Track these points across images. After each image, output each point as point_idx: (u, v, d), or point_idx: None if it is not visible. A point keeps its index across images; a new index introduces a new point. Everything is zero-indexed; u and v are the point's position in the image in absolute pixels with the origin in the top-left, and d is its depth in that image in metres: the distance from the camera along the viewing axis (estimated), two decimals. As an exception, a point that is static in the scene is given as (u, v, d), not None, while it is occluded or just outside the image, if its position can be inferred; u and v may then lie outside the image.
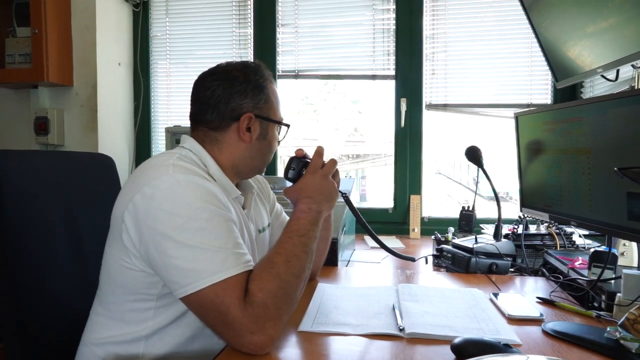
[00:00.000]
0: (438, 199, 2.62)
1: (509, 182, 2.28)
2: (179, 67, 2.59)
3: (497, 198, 1.68)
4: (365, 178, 3.03)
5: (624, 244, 1.35)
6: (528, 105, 2.25)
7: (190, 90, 1.08)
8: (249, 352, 0.85)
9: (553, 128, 1.40)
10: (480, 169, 1.75)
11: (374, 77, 2.40)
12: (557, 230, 1.66)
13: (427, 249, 1.90)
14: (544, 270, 1.48)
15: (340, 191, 1.14)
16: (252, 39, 2.47)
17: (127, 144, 2.55)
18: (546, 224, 1.71)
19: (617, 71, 1.60)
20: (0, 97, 2.42)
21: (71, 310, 1.11)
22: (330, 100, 3.30)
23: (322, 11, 2.42)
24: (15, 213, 1.03)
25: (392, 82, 2.37)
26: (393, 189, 2.41)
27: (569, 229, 1.69)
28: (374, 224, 1.24)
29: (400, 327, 0.97)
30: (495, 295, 1.20)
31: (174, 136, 2.26)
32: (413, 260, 1.44)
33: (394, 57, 2.35)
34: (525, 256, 1.57)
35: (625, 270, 1.06)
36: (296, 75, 2.45)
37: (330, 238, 1.30)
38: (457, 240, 1.60)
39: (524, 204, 1.62)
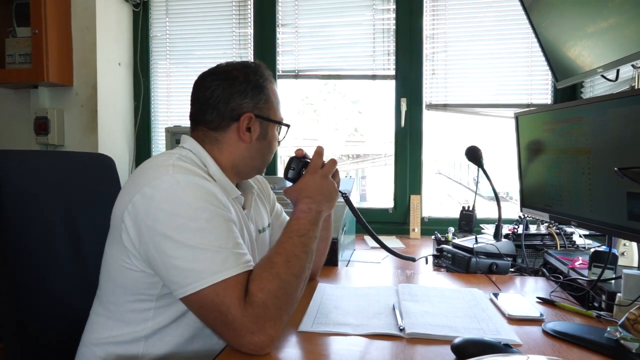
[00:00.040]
0: (438, 199, 2.62)
1: (509, 182, 2.28)
2: (179, 67, 2.59)
3: (497, 198, 1.68)
4: (365, 178, 3.03)
5: (624, 244, 1.35)
6: (528, 105, 2.25)
7: (190, 90, 1.08)
8: (249, 352, 0.85)
9: (553, 128, 1.40)
10: (480, 169, 1.75)
11: (374, 77, 2.40)
12: (557, 230, 1.66)
13: (427, 249, 1.89)
14: (544, 270, 1.48)
15: (340, 191, 1.14)
16: (252, 39, 2.47)
17: (127, 144, 2.55)
18: (546, 224, 1.71)
19: (617, 71, 1.60)
20: (0, 97, 2.42)
21: (71, 310, 1.11)
22: (330, 100, 3.30)
23: (322, 11, 2.42)
24: (15, 213, 1.03)
25: (392, 82, 2.37)
26: (393, 189, 2.41)
27: (569, 229, 1.69)
28: (374, 224, 1.24)
29: (401, 327, 0.97)
30: (496, 295, 1.20)
31: (174, 136, 2.26)
32: (413, 260, 1.44)
33: (394, 57, 2.35)
34: (526, 256, 1.57)
35: (625, 270, 1.06)
36: (296, 75, 2.45)
37: (330, 238, 1.30)
38: (457, 240, 1.60)
39: (524, 204, 1.62)
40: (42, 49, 2.14)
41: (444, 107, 2.34)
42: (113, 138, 2.43)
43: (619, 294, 1.06)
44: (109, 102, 2.39)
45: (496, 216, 1.65)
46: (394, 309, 1.09)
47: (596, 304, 1.17)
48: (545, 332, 0.99)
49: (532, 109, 1.96)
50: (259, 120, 1.06)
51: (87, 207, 1.25)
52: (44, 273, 1.08)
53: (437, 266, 1.61)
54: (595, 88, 2.05)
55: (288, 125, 1.15)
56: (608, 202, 1.14)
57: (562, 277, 1.35)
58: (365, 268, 1.62)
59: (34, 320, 1.03)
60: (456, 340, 0.88)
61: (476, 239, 1.58)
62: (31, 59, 2.19)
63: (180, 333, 0.96)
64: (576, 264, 1.35)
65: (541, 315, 1.07)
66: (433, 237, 1.83)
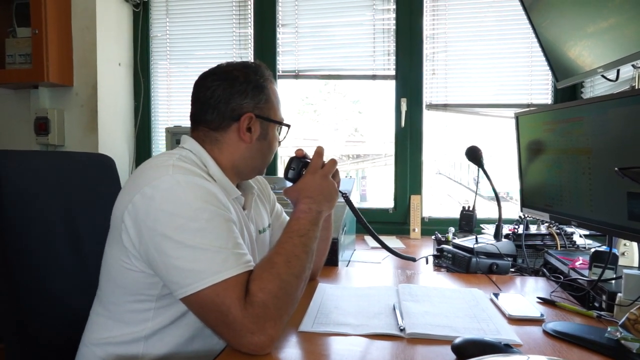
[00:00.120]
0: (438, 199, 2.62)
1: (509, 182, 2.28)
2: (179, 67, 2.59)
3: (497, 198, 1.68)
4: (365, 178, 3.03)
5: (625, 244, 1.35)
6: (528, 105, 2.24)
7: (191, 90, 1.08)
8: (249, 353, 0.85)
9: (553, 128, 1.40)
10: (480, 169, 1.75)
11: (374, 77, 2.40)
12: (558, 230, 1.66)
13: (427, 249, 1.89)
14: (545, 270, 1.48)
15: (340, 191, 1.14)
16: (252, 39, 2.47)
17: (127, 144, 2.55)
18: (547, 224, 1.71)
19: (618, 71, 1.60)
20: (0, 98, 2.42)
21: (71, 310, 1.11)
22: (331, 101, 3.30)
23: (322, 11, 2.42)
24: (15, 213, 1.03)
25: (393, 82, 2.37)
26: (393, 189, 2.41)
27: (569, 229, 1.69)
28: (374, 224, 1.24)
29: (401, 327, 0.97)
30: (496, 295, 1.20)
31: (174, 136, 2.26)
32: (413, 260, 1.44)
33: (394, 57, 2.35)
34: (526, 256, 1.57)
35: (625, 271, 1.06)
36: (296, 75, 2.45)
37: (330, 238, 1.30)
38: (457, 241, 1.60)
39: (525, 204, 1.62)
40: (42, 49, 2.14)
41: (444, 107, 2.34)
42: (113, 138, 2.43)
43: (619, 294, 1.06)
44: (109, 102, 2.39)
45: (496, 216, 1.65)
46: (394, 309, 1.09)
47: (597, 304, 1.16)
48: (545, 332, 0.98)
49: (532, 109, 1.96)
50: (259, 120, 1.06)
51: (87, 207, 1.25)
52: (44, 273, 1.08)
53: (438, 266, 1.60)
54: (596, 88, 2.05)
55: (288, 126, 1.14)
56: (608, 202, 1.14)
57: (562, 277, 1.35)
58: (366, 268, 1.62)
59: (34, 320, 1.03)
60: (456, 341, 0.88)
61: (476, 239, 1.58)
62: (31, 59, 2.19)
63: (180, 333, 0.96)
64: (576, 264, 1.35)
65: (541, 315, 1.07)
66: (433, 237, 1.83)
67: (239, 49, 2.50)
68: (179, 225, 0.86)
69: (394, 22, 2.34)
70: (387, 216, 2.39)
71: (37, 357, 1.04)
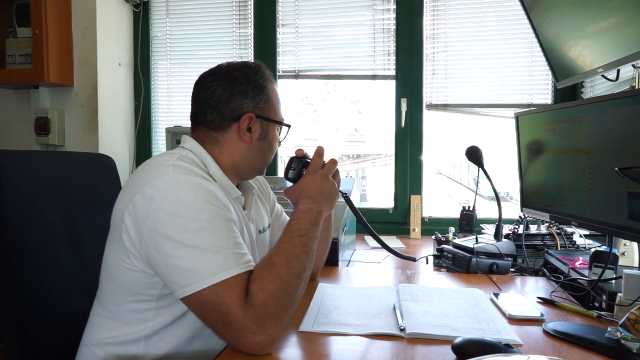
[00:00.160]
0: (438, 199, 2.63)
1: (509, 182, 2.28)
2: (179, 68, 2.59)
3: (497, 198, 1.68)
4: (365, 178, 3.04)
5: (625, 244, 1.35)
6: (528, 105, 2.24)
7: (191, 90, 1.08)
8: (249, 352, 0.85)
9: (553, 128, 1.40)
10: (480, 169, 1.75)
11: (374, 77, 2.39)
12: (558, 230, 1.66)
13: (427, 249, 1.89)
14: (545, 270, 1.48)
15: (340, 191, 1.14)
16: (252, 39, 2.47)
17: (127, 144, 2.55)
18: (547, 224, 1.71)
19: (618, 71, 1.60)
20: (0, 98, 2.43)
21: (71, 310, 1.11)
22: (331, 101, 3.30)
23: (322, 11, 2.42)
24: (15, 213, 1.03)
25: (393, 82, 2.37)
26: (393, 189, 2.41)
27: (569, 229, 1.69)
28: (375, 224, 1.24)
29: (401, 327, 0.97)
30: (496, 295, 1.20)
31: (174, 136, 2.26)
32: (414, 260, 1.44)
33: (394, 57, 2.35)
34: (526, 256, 1.57)
35: (626, 270, 1.06)
36: (296, 75, 2.45)
37: (330, 238, 1.30)
38: (457, 240, 1.60)
39: (525, 204, 1.62)
40: (43, 49, 2.14)
41: (444, 107, 2.34)
42: (113, 138, 2.43)
43: (619, 294, 1.06)
44: (110, 102, 2.39)
45: (496, 216, 1.65)
46: (394, 309, 1.09)
47: (597, 304, 1.16)
48: (545, 332, 0.98)
49: (532, 109, 1.96)
50: (259, 120, 1.06)
51: (87, 207, 1.25)
52: (44, 273, 1.08)
53: (438, 266, 1.60)
54: (596, 88, 2.05)
55: (289, 126, 1.14)
56: (608, 202, 1.14)
57: (562, 277, 1.35)
58: (366, 268, 1.62)
59: (34, 320, 1.03)
60: (457, 340, 0.88)
61: (476, 239, 1.58)
62: (32, 59, 2.19)
63: (180, 333, 0.96)
64: (577, 264, 1.35)
65: (542, 315, 1.07)
66: (433, 237, 1.83)
67: (239, 49, 2.50)
68: (179, 225, 0.86)
69: (394, 22, 2.34)
70: (387, 216, 2.39)
71: (37, 357, 1.04)
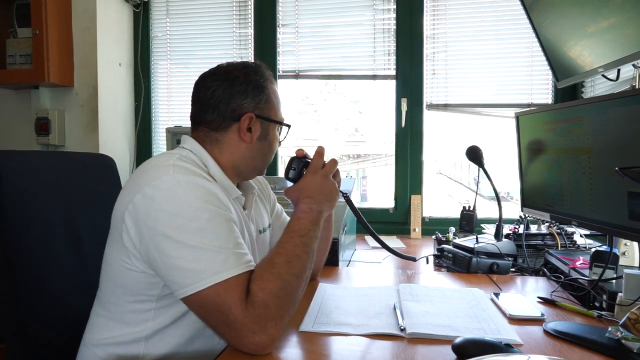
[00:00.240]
0: (439, 198, 2.63)
1: (509, 182, 2.28)
2: (179, 68, 2.59)
3: (498, 198, 1.68)
4: (366, 178, 3.04)
5: (625, 244, 1.35)
6: (529, 105, 2.24)
7: (191, 90, 1.08)
8: (250, 352, 0.85)
9: (554, 128, 1.40)
10: (481, 169, 1.75)
11: (374, 77, 2.39)
12: (558, 230, 1.66)
13: (428, 249, 1.89)
14: (545, 270, 1.48)
15: (341, 191, 1.14)
16: (252, 39, 2.47)
17: (127, 144, 2.55)
18: (547, 224, 1.71)
19: (618, 71, 1.60)
20: (1, 98, 2.43)
21: (71, 310, 1.11)
22: (331, 101, 3.30)
23: (322, 11, 2.42)
24: (15, 213, 1.03)
25: (393, 82, 2.37)
26: (394, 189, 2.40)
27: (570, 229, 1.69)
28: (375, 224, 1.24)
29: (402, 327, 0.97)
30: (497, 295, 1.20)
31: (174, 136, 2.26)
32: (414, 260, 1.44)
33: (394, 57, 2.35)
34: (526, 256, 1.57)
35: (626, 270, 1.06)
36: (297, 75, 2.45)
37: (331, 238, 1.30)
38: (458, 240, 1.60)
39: (525, 203, 1.62)
40: (43, 50, 2.14)
41: (445, 107, 2.34)
42: (114, 138, 2.43)
43: (620, 294, 1.06)
44: (110, 102, 2.39)
45: (497, 216, 1.65)
46: (394, 309, 1.09)
47: (597, 304, 1.16)
48: (546, 332, 0.98)
49: (532, 108, 1.95)
50: (259, 120, 1.06)
51: (87, 207, 1.25)
52: (44, 273, 1.08)
53: (438, 266, 1.60)
54: (596, 88, 2.05)
55: (289, 126, 1.14)
56: (609, 202, 1.14)
57: (563, 277, 1.35)
58: (366, 268, 1.62)
59: (34, 320, 1.03)
60: (457, 340, 0.88)
61: (477, 238, 1.57)
62: (32, 60, 2.19)
63: (180, 333, 0.96)
64: (577, 263, 1.35)
65: (542, 315, 1.07)
66: (434, 237, 1.83)
67: (239, 49, 2.50)
68: (179, 225, 0.86)
69: (394, 22, 2.34)
70: (387, 216, 2.39)
71: (37, 357, 1.04)
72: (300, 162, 1.12)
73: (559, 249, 1.61)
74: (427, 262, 1.65)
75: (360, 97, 3.18)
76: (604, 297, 1.13)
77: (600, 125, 1.16)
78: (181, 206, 0.87)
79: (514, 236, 1.66)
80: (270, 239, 1.25)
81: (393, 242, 2.07)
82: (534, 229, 1.72)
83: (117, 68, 2.46)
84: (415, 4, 2.30)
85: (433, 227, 2.17)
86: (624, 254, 1.34)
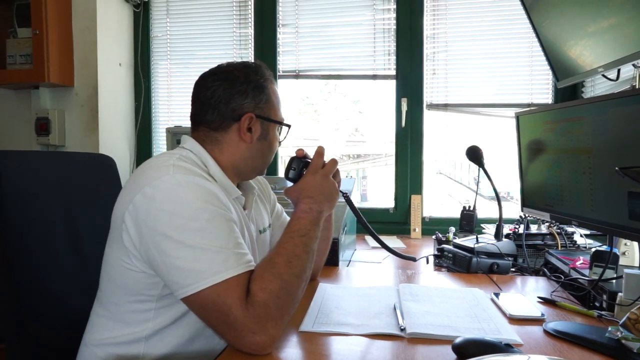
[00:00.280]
0: (439, 198, 2.62)
1: (510, 182, 2.28)
2: (179, 68, 2.59)
3: (498, 198, 1.68)
4: (366, 178, 3.03)
5: (625, 244, 1.35)
6: (529, 105, 2.24)
7: (191, 90, 1.08)
8: (250, 352, 0.85)
9: (554, 128, 1.40)
10: (481, 169, 1.75)
11: (374, 77, 2.39)
12: (558, 230, 1.66)
13: (428, 249, 1.89)
14: (545, 270, 1.48)
15: (341, 191, 1.14)
16: (252, 39, 2.47)
17: (127, 144, 2.55)
18: (547, 224, 1.71)
19: (618, 71, 1.60)
20: (1, 98, 2.43)
21: (71, 310, 1.11)
22: (331, 100, 3.30)
23: (322, 11, 2.42)
24: (15, 213, 1.03)
25: (393, 82, 2.37)
26: (394, 188, 2.40)
27: (570, 229, 1.69)
28: (375, 224, 1.24)
29: (402, 327, 0.97)
30: (497, 295, 1.20)
31: (174, 136, 2.26)
32: (414, 260, 1.44)
33: (394, 57, 2.35)
34: (527, 256, 1.57)
35: (626, 270, 1.06)
36: (297, 75, 2.45)
37: (331, 238, 1.30)
38: (458, 240, 1.60)
39: (525, 203, 1.62)
40: (43, 50, 2.14)
41: (445, 107, 2.34)
42: (114, 138, 2.43)
43: (620, 294, 1.06)
44: (110, 102, 2.39)
45: (497, 216, 1.65)
46: (394, 309, 1.09)
47: (597, 304, 1.16)
48: (546, 332, 0.98)
49: (532, 108, 1.95)
50: (259, 120, 1.06)
51: (87, 207, 1.25)
52: (44, 273, 1.08)
53: (438, 266, 1.60)
54: (596, 87, 2.05)
55: (289, 126, 1.14)
56: (609, 202, 1.14)
57: (563, 277, 1.35)
58: (366, 268, 1.62)
59: (34, 320, 1.03)
60: (457, 340, 0.88)
61: (477, 238, 1.57)
62: (32, 60, 2.20)
63: (180, 333, 0.96)
64: (577, 263, 1.35)
65: (542, 315, 1.07)
66: (434, 237, 1.83)
67: (240, 49, 2.50)
68: (179, 225, 0.86)
69: (394, 22, 2.34)
70: (387, 216, 2.39)
71: (37, 357, 1.04)
72: (300, 162, 1.12)
73: (559, 249, 1.61)
74: (427, 262, 1.65)
75: (360, 97, 3.18)
76: (604, 297, 1.13)
77: (600, 125, 1.16)
78: (181, 206, 0.87)
79: (514, 236, 1.66)
80: (271, 239, 1.25)
81: (393, 242, 2.07)
82: (534, 228, 1.72)
83: (117, 68, 2.46)
84: (415, 4, 2.30)
85: (433, 227, 2.17)
86: (624, 253, 1.34)
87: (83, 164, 1.33)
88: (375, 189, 2.93)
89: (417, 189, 2.36)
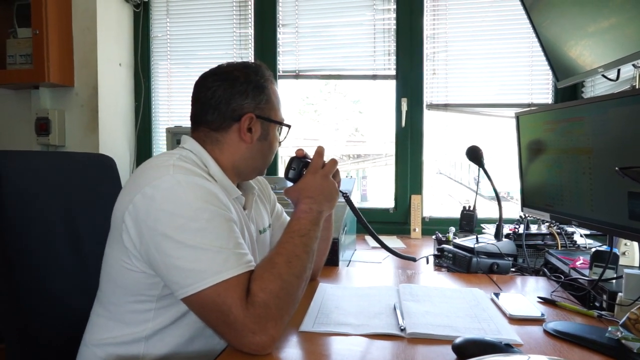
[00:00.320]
0: (439, 198, 2.62)
1: (510, 182, 2.28)
2: (179, 68, 2.59)
3: (498, 198, 1.68)
4: (366, 178, 3.04)
5: (625, 244, 1.35)
6: (529, 105, 2.24)
7: (191, 90, 1.08)
8: (250, 353, 0.85)
9: (554, 128, 1.40)
10: (481, 169, 1.75)
11: (374, 77, 2.39)
12: (558, 230, 1.66)
13: (428, 249, 1.89)
14: (545, 270, 1.48)
15: (341, 191, 1.14)
16: (252, 40, 2.47)
17: (127, 144, 2.55)
18: (547, 224, 1.71)
19: (618, 71, 1.60)
20: (1, 98, 2.43)
21: (71, 310, 1.11)
22: (331, 100, 3.30)
23: (322, 11, 2.42)
24: (15, 213, 1.03)
25: (393, 82, 2.37)
26: (394, 188, 2.40)
27: (570, 229, 1.69)
28: (375, 224, 1.24)
29: (402, 327, 0.97)
30: (497, 295, 1.20)
31: (174, 136, 2.26)
32: (414, 260, 1.44)
33: (394, 57, 2.35)
34: (527, 256, 1.57)
35: (626, 270, 1.06)
36: (297, 75, 2.45)
37: (331, 238, 1.30)
38: (458, 240, 1.60)
39: (525, 203, 1.62)
40: (43, 50, 2.14)
41: (445, 107, 2.34)
42: (114, 138, 2.43)
43: (620, 294, 1.06)
44: (110, 102, 2.39)
45: (497, 216, 1.65)
46: (394, 309, 1.09)
47: (597, 304, 1.16)
48: (546, 332, 0.98)
49: (533, 108, 1.95)
50: (260, 120, 1.06)
51: (87, 207, 1.25)
52: (44, 273, 1.08)
53: (438, 266, 1.60)
54: (596, 88, 2.05)
55: (289, 126, 1.14)
56: (609, 202, 1.14)
57: (563, 277, 1.35)
58: (366, 268, 1.62)
59: (34, 320, 1.03)
60: (457, 340, 0.88)
61: (477, 238, 1.57)
62: (32, 60, 2.20)
63: (180, 333, 0.96)
64: (577, 263, 1.35)
65: (542, 315, 1.07)
66: (434, 237, 1.83)
67: (240, 49, 2.50)
68: (179, 225, 0.86)
69: (394, 22, 2.34)
70: (387, 216, 2.39)
71: (37, 357, 1.04)
72: (300, 162, 1.12)
73: (559, 249, 1.61)
74: (427, 262, 1.65)
75: (360, 97, 3.18)
76: (604, 297, 1.13)
77: (600, 125, 1.16)
78: (181, 206, 0.87)
79: (514, 236, 1.66)
80: (271, 239, 1.25)
81: (393, 242, 2.07)
82: (534, 228, 1.72)
83: (117, 68, 2.46)
84: (415, 4, 2.30)
85: (433, 227, 2.17)
86: (624, 254, 1.34)
87: (83, 164, 1.33)
88: (375, 189, 2.93)
89: (417, 189, 2.36)
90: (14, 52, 2.26)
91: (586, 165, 1.22)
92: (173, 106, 2.61)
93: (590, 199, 1.21)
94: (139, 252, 0.90)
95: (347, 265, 1.65)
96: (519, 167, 1.63)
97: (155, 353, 0.95)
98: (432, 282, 1.40)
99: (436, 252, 1.63)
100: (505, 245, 1.56)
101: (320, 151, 1.10)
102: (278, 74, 2.44)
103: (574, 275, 1.31)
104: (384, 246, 1.24)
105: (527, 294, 1.24)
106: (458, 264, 1.50)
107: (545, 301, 1.19)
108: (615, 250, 1.19)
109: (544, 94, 2.26)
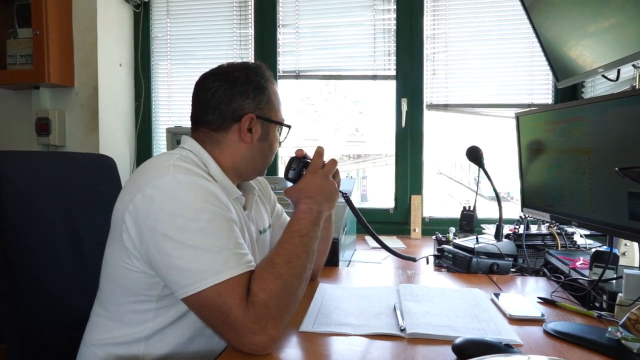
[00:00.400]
0: (439, 199, 2.62)
1: (510, 182, 2.28)
2: (179, 68, 2.59)
3: (498, 198, 1.68)
4: (366, 178, 3.04)
5: (625, 244, 1.35)
6: (529, 105, 2.24)
7: (191, 90, 1.08)
8: (250, 353, 0.85)
9: (554, 128, 1.40)
10: (481, 169, 1.75)
11: (374, 77, 2.39)
12: (558, 230, 1.66)
13: (428, 249, 1.89)
14: (545, 270, 1.48)
15: (340, 191, 1.14)
16: (253, 40, 2.47)
17: (128, 144, 2.55)
18: (547, 224, 1.71)
19: (618, 71, 1.60)
20: (1, 98, 2.43)
21: (71, 310, 1.11)
22: (331, 101, 3.30)
23: (322, 11, 2.42)
24: (15, 213, 1.03)
25: (393, 82, 2.37)
26: (394, 189, 2.40)
27: (570, 229, 1.69)
28: (375, 224, 1.24)
29: (402, 328, 0.97)
30: (497, 295, 1.20)
31: (175, 137, 2.26)
32: (414, 260, 1.44)
33: (394, 57, 2.35)
34: (527, 256, 1.56)
35: (626, 270, 1.06)
36: (297, 75, 2.45)
37: (331, 238, 1.30)
38: (458, 241, 1.60)
39: (525, 204, 1.62)
40: (43, 50, 2.15)
41: (445, 107, 2.34)
42: (114, 138, 2.43)
43: (620, 294, 1.06)
44: (110, 102, 2.39)
45: (497, 216, 1.65)
46: (394, 309, 1.09)
47: (597, 304, 1.16)
48: (546, 332, 0.98)
49: (533, 108, 1.96)
50: (260, 121, 1.06)
51: (87, 207, 1.25)
52: (44, 273, 1.08)
53: (438, 266, 1.60)
54: (596, 88, 2.05)
55: (289, 126, 1.14)
56: (609, 202, 1.14)
57: (563, 277, 1.35)
58: (366, 268, 1.62)
59: (34, 320, 1.03)
60: (457, 341, 0.88)
61: (477, 239, 1.57)
62: (32, 60, 2.20)
63: (180, 333, 0.96)
64: (577, 264, 1.35)
65: (542, 315, 1.07)
66: (434, 237, 1.83)
67: (240, 49, 2.50)
68: (179, 225, 0.86)
69: (395, 22, 2.34)
70: (387, 216, 2.39)
71: (37, 357, 1.04)
72: (300, 163, 1.12)
73: (559, 249, 1.61)
74: (427, 263, 1.65)
75: (360, 97, 3.18)
76: (604, 297, 1.13)
77: (600, 126, 1.16)
78: (181, 206, 0.87)
79: (514, 236, 1.66)
80: (271, 240, 1.25)
81: (393, 242, 2.07)
82: (534, 229, 1.72)
83: (118, 68, 2.46)
84: (415, 4, 2.30)
85: (433, 227, 2.17)
86: (624, 254, 1.34)
87: (83, 164, 1.33)
88: (375, 189, 2.93)
89: (417, 189, 2.36)
90: (14, 52, 2.26)
91: (586, 165, 1.22)
92: (173, 106, 2.61)
93: (590, 199, 1.21)
94: (139, 252, 0.90)
95: (347, 266, 1.65)
96: (519, 168, 1.63)
97: (155, 353, 0.95)
98: (432, 282, 1.40)
99: (436, 253, 1.63)
100: (505, 245, 1.56)
101: (320, 151, 1.10)
102: (278, 74, 2.44)
103: (574, 275, 1.31)
104: (384, 246, 1.24)
105: (527, 294, 1.24)
106: (458, 264, 1.50)
107: (545, 301, 1.19)
108: (615, 250, 1.19)
109: (544, 94, 2.26)
